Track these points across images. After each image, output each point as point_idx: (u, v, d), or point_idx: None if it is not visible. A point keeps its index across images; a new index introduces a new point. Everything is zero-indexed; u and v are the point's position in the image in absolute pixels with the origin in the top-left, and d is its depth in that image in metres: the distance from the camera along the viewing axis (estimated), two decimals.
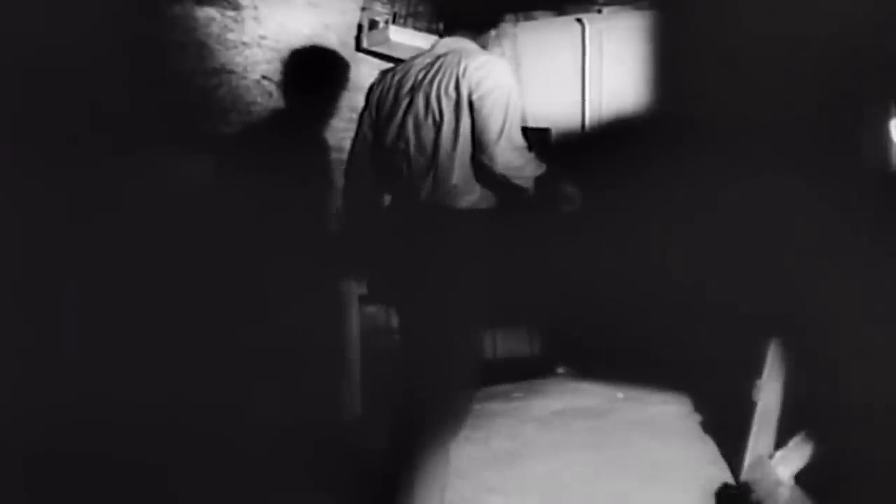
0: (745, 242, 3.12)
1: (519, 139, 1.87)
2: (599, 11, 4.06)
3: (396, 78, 2.01)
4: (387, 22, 3.54)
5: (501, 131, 1.82)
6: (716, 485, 2.44)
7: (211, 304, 2.70)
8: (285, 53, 3.29)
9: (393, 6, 3.65)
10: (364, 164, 2.06)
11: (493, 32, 2.06)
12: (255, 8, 3.18)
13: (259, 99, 3.22)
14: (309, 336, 3.03)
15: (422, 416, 1.89)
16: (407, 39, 3.55)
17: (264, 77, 3.23)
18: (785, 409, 2.46)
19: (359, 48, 3.60)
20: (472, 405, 1.97)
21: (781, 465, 2.37)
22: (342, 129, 3.54)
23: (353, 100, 3.58)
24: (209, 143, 3.03)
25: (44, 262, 2.39)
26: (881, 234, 2.23)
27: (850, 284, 2.33)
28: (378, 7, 3.63)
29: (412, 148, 1.92)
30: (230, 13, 3.10)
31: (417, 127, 1.91)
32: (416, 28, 3.67)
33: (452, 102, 1.86)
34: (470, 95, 1.84)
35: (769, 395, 2.43)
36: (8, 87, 2.37)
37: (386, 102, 2.00)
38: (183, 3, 2.95)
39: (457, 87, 1.85)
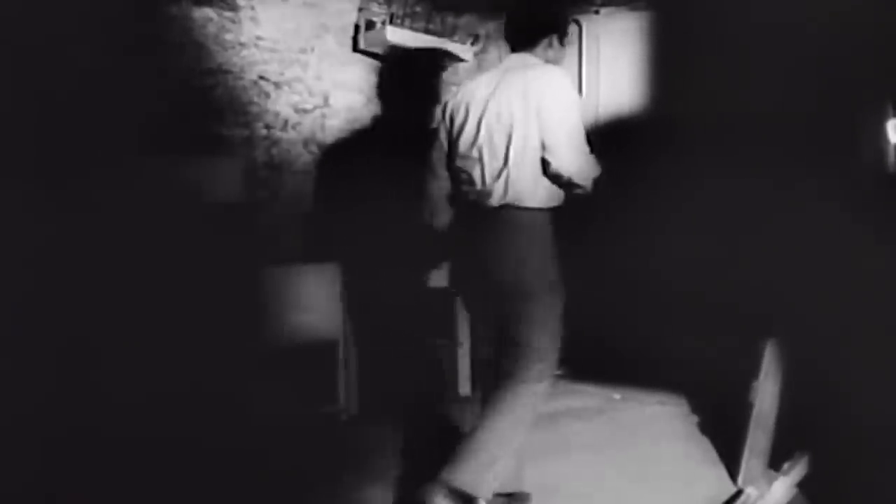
0: (742, 243, 3.12)
1: (584, 144, 2.06)
2: (596, 13, 4.07)
3: (469, 90, 2.22)
4: (384, 22, 3.53)
5: (568, 138, 2.02)
6: (713, 485, 2.44)
7: (209, 306, 2.69)
8: (283, 54, 3.29)
9: (390, 7, 3.64)
10: (441, 170, 2.27)
11: (555, 49, 2.23)
12: (253, 8, 3.18)
13: (256, 99, 3.22)
14: (308, 335, 3.02)
15: (507, 398, 2.08)
16: (404, 40, 3.54)
17: (261, 77, 3.22)
18: (782, 410, 2.46)
19: (356, 49, 3.59)
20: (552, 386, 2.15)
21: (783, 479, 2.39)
22: (340, 130, 3.54)
23: (350, 100, 3.58)
24: (206, 144, 3.03)
25: (44, 263, 2.38)
26: (880, 234, 2.24)
27: (849, 285, 2.33)
28: (375, 7, 3.62)
29: (486, 154, 2.11)
30: (227, 13, 3.10)
31: (490, 134, 2.10)
32: (413, 29, 3.67)
33: (521, 111, 2.04)
34: (537, 105, 2.01)
35: (766, 396, 2.43)
36: (3, 88, 2.37)
37: (459, 113, 2.20)
38: (180, 3, 2.95)
39: (524, 97, 2.03)
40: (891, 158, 2.50)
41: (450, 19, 3.94)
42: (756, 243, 2.94)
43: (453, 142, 2.22)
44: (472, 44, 3.94)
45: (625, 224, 3.56)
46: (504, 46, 4.18)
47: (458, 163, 2.19)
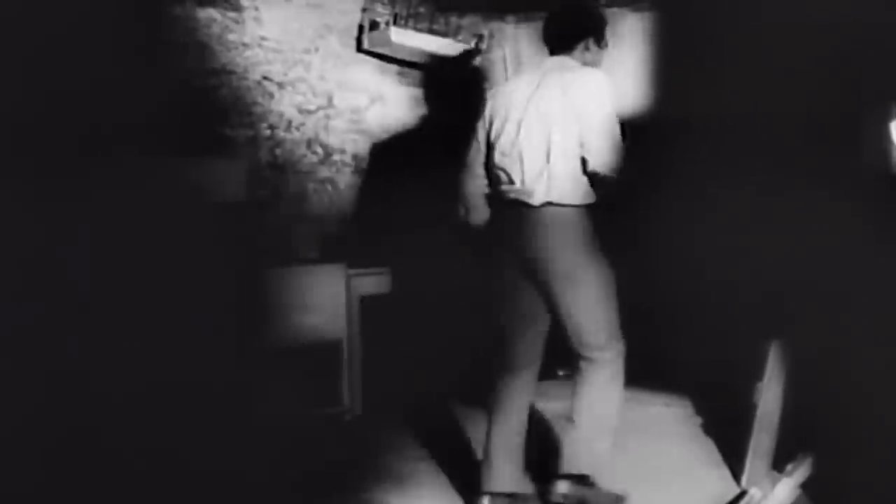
0: (745, 244, 3.12)
1: (619, 141, 2.14)
2: None
3: (509, 90, 2.29)
4: (388, 23, 3.54)
5: (607, 139, 2.10)
6: (716, 486, 2.44)
7: (212, 306, 2.70)
8: (286, 54, 3.29)
9: (394, 7, 3.65)
10: (478, 168, 2.32)
11: (592, 51, 2.31)
12: (256, 9, 3.19)
13: (259, 100, 3.23)
14: (312, 335, 3.03)
15: (588, 385, 2.21)
16: (408, 40, 3.55)
17: (265, 78, 3.23)
18: (785, 411, 2.46)
19: (360, 49, 3.60)
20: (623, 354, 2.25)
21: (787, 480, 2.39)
22: (343, 130, 3.54)
23: (354, 101, 3.59)
24: (210, 144, 3.03)
25: (49, 263, 2.39)
26: (882, 235, 2.23)
27: (851, 286, 2.33)
28: (379, 8, 3.63)
29: (526, 153, 2.16)
30: (231, 14, 3.11)
31: (531, 134, 2.15)
32: (417, 29, 3.67)
33: (561, 112, 2.11)
34: (577, 106, 2.09)
35: (770, 397, 2.43)
36: (6, 89, 2.37)
37: (499, 113, 2.25)
38: (184, 3, 2.95)
39: (564, 97, 2.11)
40: (893, 159, 2.50)
41: (453, 19, 3.94)
42: (759, 244, 2.94)
43: (492, 142, 2.26)
44: (476, 44, 3.95)
45: (627, 225, 3.55)
46: (509, 48, 4.22)
47: (498, 162, 2.23)
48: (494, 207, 2.31)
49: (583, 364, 2.21)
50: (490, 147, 2.27)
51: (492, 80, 4.07)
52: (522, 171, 2.16)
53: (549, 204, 2.13)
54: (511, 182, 2.20)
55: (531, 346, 2.30)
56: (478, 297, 2.79)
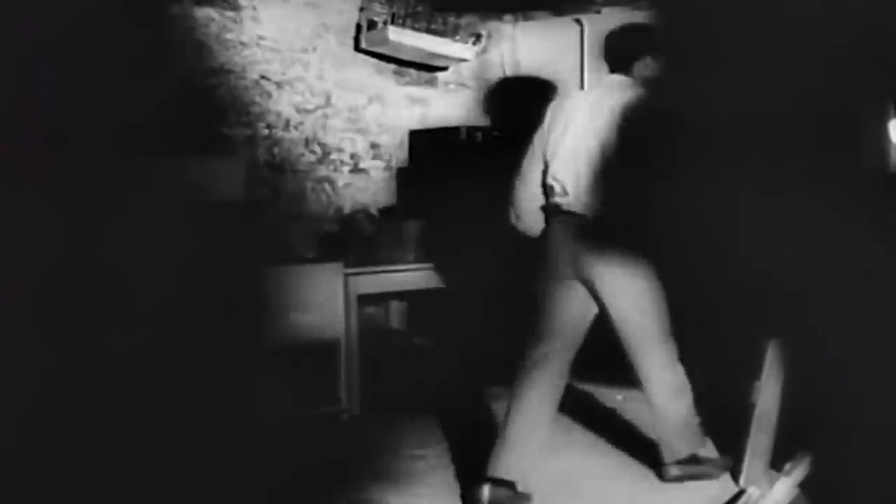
0: (742, 243, 3.12)
1: (670, 157, 2.31)
2: (598, 12, 4.06)
3: (569, 104, 2.38)
4: (385, 22, 3.54)
5: (657, 155, 2.25)
6: (714, 485, 2.44)
7: (210, 305, 2.70)
8: (284, 53, 3.29)
9: (391, 6, 3.65)
10: (532, 177, 2.38)
11: (648, 67, 2.45)
12: (254, 8, 3.19)
13: (257, 99, 3.23)
14: (309, 334, 3.02)
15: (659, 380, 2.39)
16: (405, 40, 3.55)
17: (263, 77, 3.23)
18: (783, 410, 2.46)
19: (358, 48, 3.60)
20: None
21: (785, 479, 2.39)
22: (341, 129, 3.54)
23: (352, 100, 3.59)
24: (208, 143, 3.03)
25: (46, 264, 2.39)
26: (880, 234, 2.23)
27: (849, 286, 2.32)
28: (376, 7, 3.63)
29: (582, 166, 2.24)
30: (229, 13, 3.11)
31: (587, 148, 2.24)
32: (414, 28, 3.67)
33: (617, 128, 2.23)
34: (632, 124, 2.23)
35: (768, 396, 2.43)
36: (6, 89, 2.37)
37: (558, 126, 2.32)
38: (182, 3, 2.95)
39: (620, 116, 2.24)
40: (892, 158, 2.50)
41: (451, 19, 3.94)
42: (756, 244, 2.94)
43: (549, 154, 2.32)
44: (474, 43, 3.95)
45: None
46: (507, 47, 4.23)
47: (554, 173, 2.30)
48: (547, 217, 2.37)
49: (636, 369, 2.37)
50: (546, 158, 2.33)
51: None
52: (577, 184, 2.24)
53: (603, 216, 2.23)
54: (565, 194, 2.26)
55: (564, 351, 2.35)
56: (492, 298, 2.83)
